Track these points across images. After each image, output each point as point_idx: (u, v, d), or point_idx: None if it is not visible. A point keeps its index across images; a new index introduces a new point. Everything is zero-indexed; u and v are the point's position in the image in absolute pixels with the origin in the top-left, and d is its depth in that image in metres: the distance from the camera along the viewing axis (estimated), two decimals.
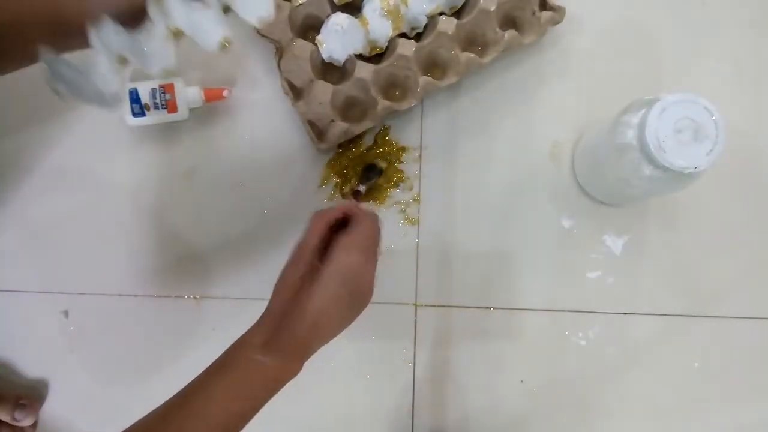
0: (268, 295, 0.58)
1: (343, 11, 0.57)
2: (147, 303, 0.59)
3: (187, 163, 0.61)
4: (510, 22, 0.61)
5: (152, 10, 0.43)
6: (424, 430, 0.57)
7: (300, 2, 0.57)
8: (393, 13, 0.57)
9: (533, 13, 0.59)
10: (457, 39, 0.58)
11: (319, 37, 0.57)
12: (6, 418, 0.54)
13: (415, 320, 0.58)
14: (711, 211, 0.59)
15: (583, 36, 0.63)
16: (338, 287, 0.41)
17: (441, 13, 0.58)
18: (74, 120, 0.61)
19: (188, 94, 0.58)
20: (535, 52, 0.62)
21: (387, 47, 0.59)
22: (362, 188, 0.56)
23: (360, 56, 0.58)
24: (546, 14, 0.58)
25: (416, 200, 0.60)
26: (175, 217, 0.60)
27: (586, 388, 0.57)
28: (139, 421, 0.40)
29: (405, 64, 0.57)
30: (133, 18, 0.44)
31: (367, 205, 0.59)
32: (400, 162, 0.60)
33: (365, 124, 0.58)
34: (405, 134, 0.61)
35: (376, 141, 0.61)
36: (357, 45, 0.57)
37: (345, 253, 0.42)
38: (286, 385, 0.40)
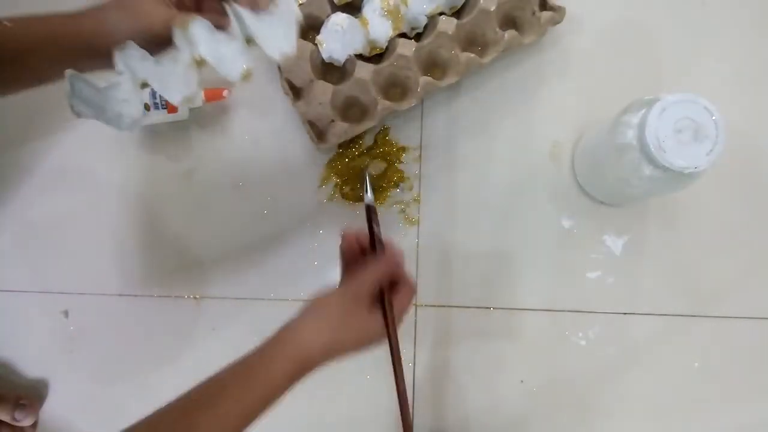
0: (268, 295, 0.59)
1: (343, 11, 0.57)
2: (147, 303, 0.59)
3: (187, 163, 0.61)
4: (510, 22, 0.61)
5: (178, 38, 0.44)
6: (424, 430, 0.57)
7: (300, 2, 0.57)
8: (393, 13, 0.57)
9: (533, 13, 0.59)
10: (457, 39, 0.58)
11: (319, 37, 0.57)
12: (6, 418, 0.54)
13: (415, 320, 0.58)
14: (711, 211, 0.59)
15: (583, 36, 0.63)
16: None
17: (441, 13, 0.58)
18: (74, 120, 0.61)
19: None
20: (535, 52, 0.62)
21: (387, 47, 0.59)
22: (370, 196, 0.52)
23: (360, 56, 0.58)
24: (546, 14, 0.58)
25: (416, 200, 0.60)
26: (175, 217, 0.60)
27: (586, 388, 0.57)
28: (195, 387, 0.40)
29: (405, 64, 0.57)
30: (159, 44, 0.44)
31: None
32: (400, 162, 0.60)
33: (365, 124, 0.58)
34: (405, 134, 0.61)
35: (376, 141, 0.61)
36: (357, 45, 0.57)
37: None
38: None
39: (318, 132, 0.58)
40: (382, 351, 0.57)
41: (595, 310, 0.58)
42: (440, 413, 0.57)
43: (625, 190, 0.52)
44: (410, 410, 0.46)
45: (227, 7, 0.44)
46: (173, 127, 0.61)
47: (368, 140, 0.61)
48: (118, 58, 0.42)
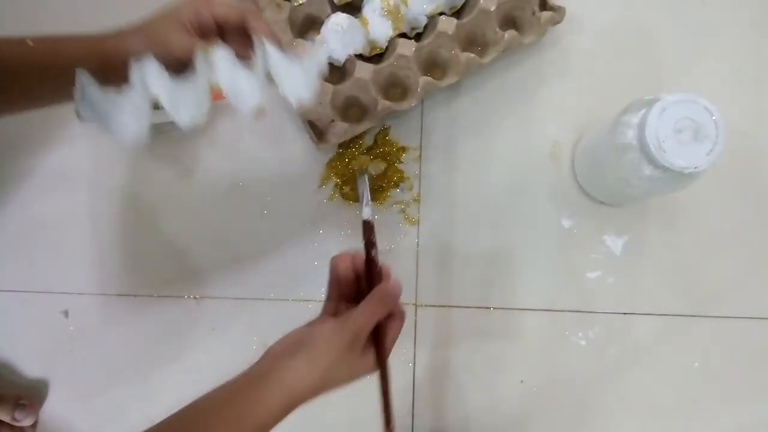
0: (268, 295, 0.59)
1: (343, 11, 0.57)
2: (147, 303, 0.59)
3: (187, 162, 0.61)
4: (510, 22, 0.61)
5: (199, 62, 0.44)
6: (424, 430, 0.57)
7: (300, 2, 0.57)
8: (393, 13, 0.57)
9: (533, 13, 0.59)
10: (457, 39, 0.58)
11: (319, 37, 0.57)
12: (6, 418, 0.54)
13: (415, 320, 0.58)
14: (711, 211, 0.59)
15: (583, 36, 0.63)
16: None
17: (441, 13, 0.58)
18: (75, 121, 0.61)
19: None
20: (535, 52, 0.62)
21: (387, 47, 0.59)
22: (369, 211, 0.47)
23: (360, 56, 0.58)
24: (546, 14, 0.58)
25: (416, 200, 0.60)
26: (174, 216, 0.60)
27: (586, 388, 0.57)
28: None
29: (405, 64, 0.57)
30: (177, 70, 0.44)
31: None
32: (400, 162, 0.60)
33: (365, 124, 0.58)
34: (405, 134, 0.61)
35: (376, 141, 0.61)
36: (357, 45, 0.57)
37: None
38: None
39: (318, 132, 0.58)
40: None
41: (595, 310, 0.58)
42: (440, 413, 0.57)
43: (625, 190, 0.52)
44: None
45: (256, 41, 0.44)
46: (174, 127, 0.60)
47: (368, 140, 0.61)
48: (134, 70, 0.42)
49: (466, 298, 0.58)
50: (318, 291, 0.58)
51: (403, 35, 0.59)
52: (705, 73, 0.62)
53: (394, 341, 0.43)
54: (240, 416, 0.38)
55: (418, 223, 0.59)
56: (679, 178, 0.46)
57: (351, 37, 0.56)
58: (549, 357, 0.58)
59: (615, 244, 0.59)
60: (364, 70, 0.56)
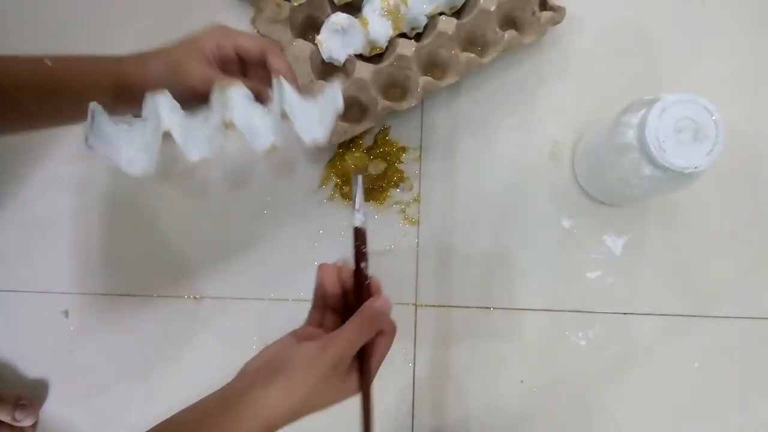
0: (268, 295, 0.59)
1: (343, 11, 0.57)
2: (147, 303, 0.59)
3: (187, 162, 0.61)
4: (510, 22, 0.61)
5: (215, 98, 0.43)
6: (424, 430, 0.57)
7: (300, 2, 0.57)
8: (393, 13, 0.57)
9: (533, 13, 0.59)
10: (457, 39, 0.58)
11: (319, 37, 0.57)
12: (6, 418, 0.54)
13: (415, 320, 0.58)
14: (711, 211, 0.59)
15: (583, 36, 0.63)
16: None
17: (441, 13, 0.58)
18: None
19: None
20: (535, 52, 0.62)
21: (387, 47, 0.59)
22: (361, 217, 0.44)
23: (360, 56, 0.58)
24: (546, 14, 0.58)
25: (416, 200, 0.60)
26: (174, 216, 0.60)
27: (586, 388, 0.57)
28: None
29: (405, 64, 0.57)
30: (194, 101, 0.44)
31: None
32: (400, 162, 0.60)
33: (365, 124, 0.58)
34: (405, 134, 0.61)
35: (376, 141, 0.61)
36: (357, 45, 0.57)
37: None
38: None
39: None
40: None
41: (595, 310, 0.58)
42: (440, 413, 0.57)
43: (625, 190, 0.52)
44: None
45: (273, 79, 0.44)
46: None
47: (368, 140, 0.61)
48: (148, 102, 0.42)
49: (466, 298, 0.58)
50: None
51: (403, 35, 0.59)
52: (705, 73, 0.62)
53: (381, 359, 0.41)
54: None
55: (418, 223, 0.59)
56: (679, 178, 0.46)
57: (351, 37, 0.56)
58: (549, 357, 0.58)
59: (615, 244, 0.59)
60: (364, 70, 0.56)
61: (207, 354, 0.58)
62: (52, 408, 0.58)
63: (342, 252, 0.59)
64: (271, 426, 0.37)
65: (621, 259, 0.59)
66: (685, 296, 0.58)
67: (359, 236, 0.42)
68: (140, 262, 0.60)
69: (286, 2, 0.57)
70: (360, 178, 0.45)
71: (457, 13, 0.60)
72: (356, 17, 0.57)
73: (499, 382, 0.57)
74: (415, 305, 0.58)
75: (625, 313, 0.58)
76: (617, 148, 0.49)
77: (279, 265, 0.59)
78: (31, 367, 0.58)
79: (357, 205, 0.42)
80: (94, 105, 0.40)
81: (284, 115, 0.44)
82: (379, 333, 0.40)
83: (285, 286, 0.58)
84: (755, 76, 0.62)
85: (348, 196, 0.60)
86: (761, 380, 0.58)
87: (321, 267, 0.42)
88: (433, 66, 0.61)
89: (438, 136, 0.61)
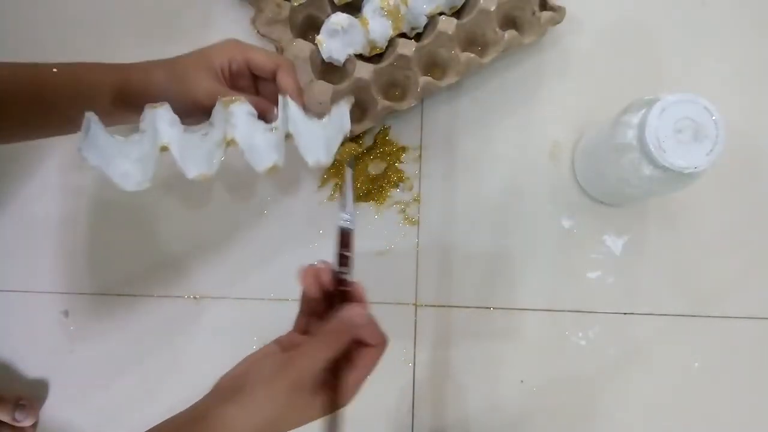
0: (268, 295, 0.59)
1: (343, 11, 0.57)
2: (147, 303, 0.59)
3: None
4: (510, 22, 0.61)
5: (217, 114, 0.42)
6: (424, 430, 0.57)
7: (300, 2, 0.57)
8: (393, 13, 0.57)
9: (533, 13, 0.59)
10: (457, 39, 0.58)
11: (319, 37, 0.57)
12: (6, 418, 0.54)
13: (415, 320, 0.58)
14: (711, 211, 0.59)
15: (583, 36, 0.63)
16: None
17: (441, 13, 0.58)
18: None
19: None
20: (535, 52, 0.62)
21: (387, 47, 0.59)
22: (348, 217, 0.40)
23: (360, 56, 0.58)
24: (546, 14, 0.58)
25: (416, 200, 0.60)
26: (174, 216, 0.60)
27: (586, 388, 0.57)
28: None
29: (405, 64, 0.57)
30: (196, 114, 0.43)
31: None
32: (400, 162, 0.60)
33: (365, 124, 0.58)
34: (405, 134, 0.61)
35: (376, 141, 0.61)
36: (357, 45, 0.57)
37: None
38: None
39: None
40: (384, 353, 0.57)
41: (595, 310, 0.58)
42: (440, 413, 0.57)
43: (625, 190, 0.52)
44: None
45: (280, 97, 0.43)
46: None
47: (368, 140, 0.61)
48: (146, 115, 0.40)
49: (466, 298, 0.58)
50: None
51: (403, 35, 0.59)
52: (705, 73, 0.62)
53: (365, 374, 0.37)
54: None
55: (418, 223, 0.59)
56: (679, 178, 0.46)
57: (351, 37, 0.56)
58: (549, 357, 0.58)
59: (615, 244, 0.59)
60: (364, 70, 0.56)
61: (207, 354, 0.58)
62: (52, 408, 0.58)
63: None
64: None
65: (621, 259, 0.59)
66: (685, 296, 0.58)
67: (344, 238, 0.39)
68: (140, 262, 0.60)
69: (286, 2, 0.57)
70: (350, 172, 0.43)
71: (457, 13, 0.60)
72: (356, 17, 0.57)
73: (499, 382, 0.57)
74: (415, 305, 0.58)
75: (625, 313, 0.58)
76: (617, 148, 0.49)
77: (279, 265, 0.59)
78: (31, 367, 0.58)
79: (347, 202, 0.39)
80: (89, 114, 0.39)
81: (288, 135, 0.43)
82: (364, 345, 0.37)
83: (285, 286, 0.58)
84: (755, 76, 0.62)
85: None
86: (761, 380, 0.58)
87: (300, 269, 0.39)
88: (433, 66, 0.61)
89: (438, 136, 0.61)
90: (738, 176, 0.60)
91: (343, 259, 0.39)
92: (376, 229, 0.59)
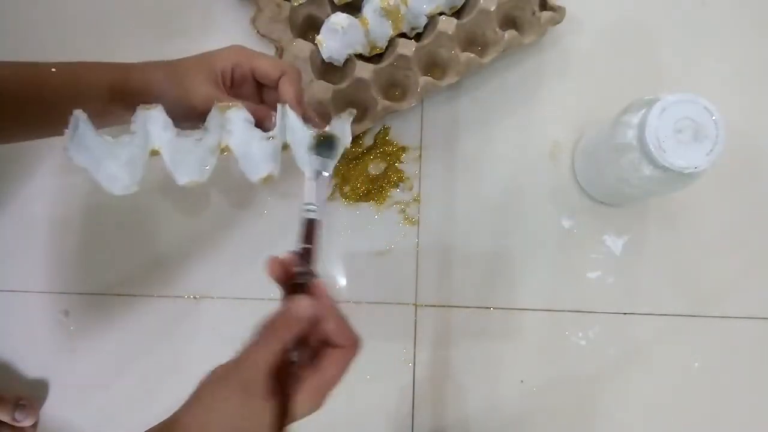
0: (267, 295, 0.59)
1: (343, 11, 0.57)
2: (147, 303, 0.59)
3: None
4: (510, 22, 0.61)
5: (212, 119, 0.40)
6: (424, 430, 0.57)
7: (300, 2, 0.57)
8: (393, 13, 0.57)
9: (533, 13, 0.59)
10: (457, 39, 0.58)
11: (319, 37, 0.57)
12: (6, 418, 0.54)
13: (415, 320, 0.58)
14: (711, 211, 0.59)
15: (583, 36, 0.63)
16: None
17: (441, 13, 0.58)
18: None
19: None
20: (535, 52, 0.62)
21: (387, 47, 0.59)
22: (313, 207, 0.39)
23: (360, 56, 0.58)
24: (546, 14, 0.59)
25: (416, 200, 0.60)
26: (174, 216, 0.60)
27: (586, 388, 0.57)
28: None
29: (405, 64, 0.57)
30: (192, 119, 0.42)
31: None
32: (400, 162, 0.60)
33: (365, 124, 0.58)
34: (405, 134, 0.61)
35: (376, 141, 0.61)
36: (357, 45, 0.57)
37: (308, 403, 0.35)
38: None
39: None
40: (383, 352, 0.58)
41: (595, 310, 0.58)
42: (440, 413, 0.57)
43: (625, 190, 0.52)
44: None
45: (279, 106, 0.42)
46: None
47: (368, 140, 0.61)
48: (138, 117, 0.39)
49: (466, 298, 0.58)
50: None
51: (403, 35, 0.59)
52: (705, 73, 0.62)
53: (328, 381, 0.35)
54: None
55: (418, 223, 0.59)
56: (679, 178, 0.46)
57: (351, 37, 0.56)
58: (549, 357, 0.58)
59: (615, 244, 0.59)
60: (364, 70, 0.56)
61: (207, 354, 0.58)
62: (52, 408, 0.58)
63: (341, 252, 0.59)
64: None
65: (621, 259, 0.59)
66: (685, 296, 0.58)
67: (309, 230, 0.37)
68: (140, 262, 0.59)
69: (286, 2, 0.57)
70: (315, 158, 0.41)
71: (457, 13, 0.60)
72: (356, 17, 0.57)
73: (499, 382, 0.57)
74: (415, 305, 0.58)
75: (625, 313, 0.58)
76: (617, 148, 0.49)
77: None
78: (31, 367, 0.58)
79: (309, 190, 0.38)
80: (78, 113, 0.37)
81: (286, 146, 0.42)
82: (332, 347, 0.36)
83: None
84: (755, 76, 0.62)
85: (348, 196, 0.60)
86: (761, 380, 0.58)
87: (267, 260, 0.37)
88: (433, 66, 0.61)
89: (438, 136, 0.61)
90: (738, 176, 0.60)
91: (305, 252, 0.37)
92: (376, 229, 0.59)
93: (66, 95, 0.43)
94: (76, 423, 0.58)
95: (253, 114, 0.42)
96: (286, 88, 0.43)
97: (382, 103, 0.57)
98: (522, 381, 0.57)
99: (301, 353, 0.36)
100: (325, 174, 0.42)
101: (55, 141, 0.61)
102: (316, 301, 0.35)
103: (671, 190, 0.50)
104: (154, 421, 0.37)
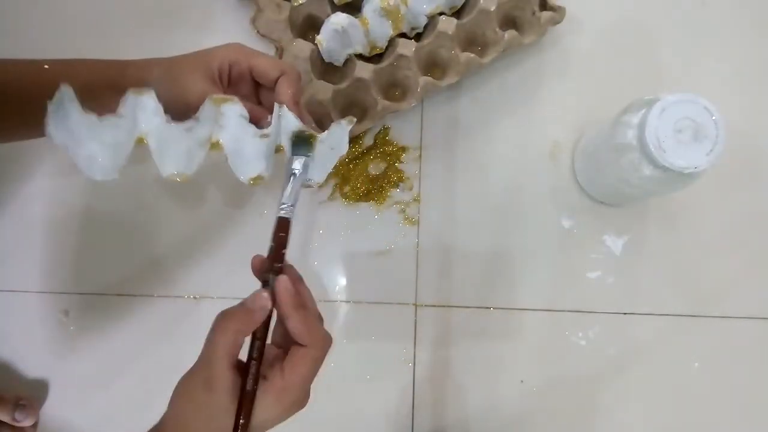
0: None
1: (343, 11, 0.57)
2: (147, 303, 0.59)
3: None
4: (510, 22, 0.61)
5: (206, 111, 0.39)
6: (424, 430, 0.57)
7: (300, 2, 0.57)
8: (393, 13, 0.57)
9: (533, 13, 0.59)
10: (457, 39, 0.58)
11: (319, 37, 0.57)
12: (6, 418, 0.54)
13: (415, 320, 0.58)
14: (711, 211, 0.59)
15: (583, 36, 0.63)
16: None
17: (441, 13, 0.58)
18: None
19: None
20: (535, 52, 0.62)
21: (387, 47, 0.59)
22: (288, 204, 0.39)
23: (360, 56, 0.58)
24: (546, 14, 0.58)
25: (416, 200, 0.60)
26: (174, 216, 0.60)
27: (586, 388, 0.57)
28: None
29: (405, 64, 0.57)
30: (188, 111, 0.40)
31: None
32: (400, 162, 0.60)
33: (365, 124, 0.58)
34: (405, 134, 0.61)
35: (376, 141, 0.61)
36: (357, 45, 0.57)
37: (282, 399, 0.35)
38: None
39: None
40: (383, 352, 0.58)
41: (595, 310, 0.58)
42: (440, 413, 0.57)
43: (625, 190, 0.52)
44: None
45: (276, 106, 0.41)
46: None
47: (368, 140, 0.61)
48: (128, 100, 0.37)
49: (466, 298, 0.58)
50: (317, 291, 0.58)
51: (403, 35, 0.59)
52: (705, 73, 0.62)
53: (293, 382, 0.34)
54: None
55: (418, 223, 0.59)
56: (679, 178, 0.46)
57: (351, 37, 0.56)
58: (549, 357, 0.58)
59: (615, 244, 0.59)
60: (364, 70, 0.56)
61: None
62: (52, 408, 0.58)
63: (342, 252, 0.59)
64: None
65: (621, 259, 0.59)
66: (685, 296, 0.58)
67: (281, 227, 0.38)
68: (140, 262, 0.59)
69: (286, 2, 0.57)
70: (292, 157, 0.41)
71: (457, 13, 0.60)
72: (356, 17, 0.57)
73: (499, 382, 0.57)
74: (415, 305, 0.58)
75: (625, 313, 0.58)
76: (617, 148, 0.49)
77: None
78: (31, 367, 0.58)
79: (283, 188, 0.37)
80: (65, 87, 0.35)
81: (279, 149, 0.41)
82: (293, 346, 0.35)
83: None
84: (755, 76, 0.62)
85: (348, 196, 0.60)
86: (761, 380, 0.58)
87: (252, 261, 0.38)
88: (433, 66, 0.61)
89: (438, 136, 0.61)
90: (738, 176, 0.60)
91: (272, 250, 0.37)
92: (376, 229, 0.59)
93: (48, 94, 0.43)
94: (76, 423, 0.58)
95: (249, 113, 0.42)
96: (284, 89, 0.43)
97: (382, 103, 0.57)
98: (522, 381, 0.57)
99: (272, 354, 0.37)
100: (296, 172, 0.41)
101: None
102: (288, 299, 0.36)
103: (671, 190, 0.50)
104: (155, 421, 0.37)
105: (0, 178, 0.61)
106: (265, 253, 0.38)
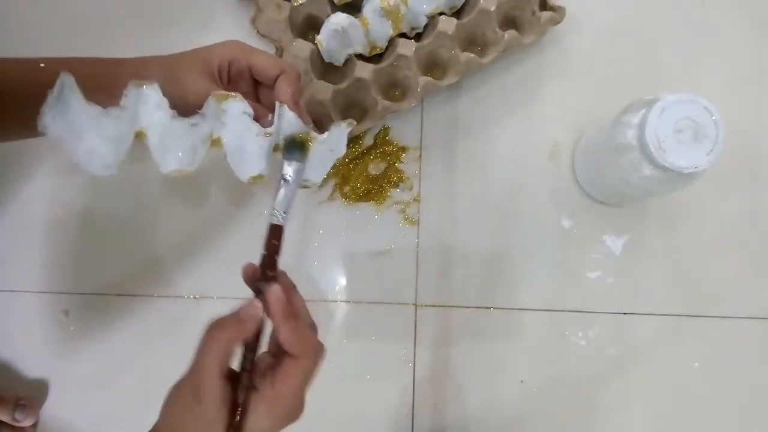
0: None
1: (343, 11, 0.57)
2: (147, 303, 0.59)
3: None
4: (510, 22, 0.61)
5: (209, 107, 0.38)
6: (424, 430, 0.57)
7: (300, 2, 0.57)
8: (393, 13, 0.57)
9: (533, 13, 0.59)
10: (457, 39, 0.58)
11: (319, 37, 0.57)
12: (6, 418, 0.54)
13: (415, 320, 0.58)
14: (711, 211, 0.59)
15: (583, 36, 0.63)
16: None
17: (441, 13, 0.58)
18: None
19: None
20: (535, 52, 0.62)
21: (387, 47, 0.59)
22: (279, 214, 0.39)
23: (360, 56, 0.58)
24: (546, 14, 0.58)
25: (416, 200, 0.60)
26: (174, 216, 0.60)
27: (586, 388, 0.57)
28: None
29: (405, 64, 0.57)
30: (188, 110, 0.40)
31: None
32: (400, 162, 0.60)
33: (365, 124, 0.58)
34: (405, 134, 0.61)
35: (376, 141, 0.61)
36: (357, 45, 0.57)
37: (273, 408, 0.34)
38: None
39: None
40: (383, 352, 0.58)
41: (595, 310, 0.58)
42: (440, 413, 0.57)
43: (625, 190, 0.52)
44: None
45: (276, 105, 0.40)
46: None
47: (368, 140, 0.61)
48: (130, 92, 0.36)
49: (466, 298, 0.58)
50: (317, 291, 0.58)
51: (403, 35, 0.59)
52: (705, 73, 0.62)
53: (284, 393, 0.34)
54: None
55: (418, 223, 0.59)
56: (679, 178, 0.46)
57: (351, 37, 0.56)
58: (549, 357, 0.58)
59: (615, 244, 0.59)
60: (364, 70, 0.56)
61: None
62: (52, 408, 0.58)
63: (341, 252, 0.59)
64: None
65: (621, 259, 0.59)
66: (685, 296, 0.58)
67: (274, 234, 0.37)
68: (140, 261, 0.59)
69: (286, 2, 0.57)
70: (285, 164, 0.41)
71: (457, 13, 0.60)
72: (356, 17, 0.57)
73: (499, 382, 0.57)
74: (415, 305, 0.58)
75: (625, 313, 0.58)
76: (617, 148, 0.49)
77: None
78: (31, 367, 0.58)
79: (276, 194, 0.36)
80: (65, 76, 0.33)
81: (277, 147, 0.40)
82: (285, 356, 0.35)
83: None
84: (755, 76, 0.62)
85: (348, 196, 0.60)
86: (761, 380, 0.58)
87: (243, 267, 0.38)
88: (433, 66, 0.61)
89: (438, 136, 0.61)
90: (738, 176, 0.60)
91: (264, 258, 0.37)
92: (376, 229, 0.59)
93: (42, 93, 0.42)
94: (76, 423, 0.58)
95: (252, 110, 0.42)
96: (284, 88, 0.42)
97: (382, 103, 0.57)
98: (522, 381, 0.57)
99: (265, 364, 0.36)
100: (288, 177, 0.40)
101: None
102: (280, 308, 0.35)
103: (671, 190, 0.50)
104: (155, 421, 0.37)
105: (0, 178, 0.61)
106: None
